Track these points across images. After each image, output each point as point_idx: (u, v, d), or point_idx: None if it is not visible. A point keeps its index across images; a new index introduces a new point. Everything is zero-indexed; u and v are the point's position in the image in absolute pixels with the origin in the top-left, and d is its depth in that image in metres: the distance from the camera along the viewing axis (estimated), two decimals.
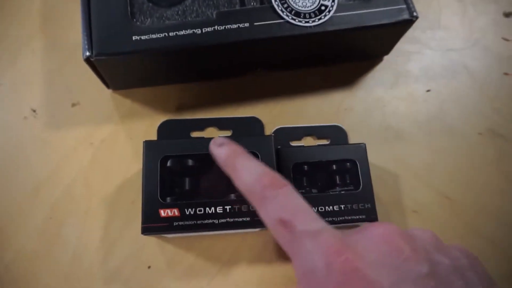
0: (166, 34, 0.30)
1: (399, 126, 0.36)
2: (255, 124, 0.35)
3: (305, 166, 0.31)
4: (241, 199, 0.27)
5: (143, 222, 0.26)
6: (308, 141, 0.35)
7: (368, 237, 0.19)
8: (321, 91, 0.37)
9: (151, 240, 0.31)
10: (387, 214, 0.33)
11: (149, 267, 0.30)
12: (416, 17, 0.32)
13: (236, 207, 0.27)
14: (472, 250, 0.32)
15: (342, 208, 0.29)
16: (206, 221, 0.27)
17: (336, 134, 0.35)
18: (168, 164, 0.28)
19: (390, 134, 0.36)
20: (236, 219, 0.27)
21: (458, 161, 0.35)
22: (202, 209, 0.27)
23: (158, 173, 0.27)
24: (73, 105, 0.35)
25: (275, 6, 0.31)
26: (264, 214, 0.21)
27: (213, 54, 0.32)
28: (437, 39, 0.40)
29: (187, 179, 0.29)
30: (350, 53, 0.36)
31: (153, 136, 0.34)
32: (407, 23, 0.33)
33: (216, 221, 0.27)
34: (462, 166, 0.35)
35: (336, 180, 0.31)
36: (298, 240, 0.19)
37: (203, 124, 0.34)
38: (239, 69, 0.36)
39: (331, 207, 0.29)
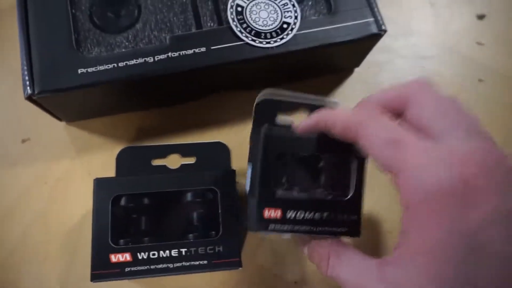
0: (116, 65, 0.28)
1: None
2: (221, 150, 0.33)
3: (289, 157, 0.25)
4: (199, 241, 0.26)
5: (93, 268, 0.25)
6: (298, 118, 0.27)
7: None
8: None
9: (118, 284, 0.29)
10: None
11: None
12: (385, 31, 0.30)
13: (193, 249, 0.25)
14: None
15: (324, 217, 0.24)
16: (160, 266, 0.25)
17: None
18: (122, 203, 0.27)
19: None
20: (193, 262, 0.25)
21: None
22: (156, 252, 0.25)
23: (109, 214, 0.26)
24: (23, 141, 0.32)
25: (233, 27, 0.29)
26: (369, 135, 0.19)
27: (168, 82, 0.30)
28: (409, 46, 0.38)
29: (142, 219, 0.27)
30: (317, 69, 0.34)
31: (113, 168, 0.32)
32: (376, 37, 0.31)
33: (171, 265, 0.25)
34: None
35: (319, 179, 0.25)
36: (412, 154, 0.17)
37: (165, 151, 0.32)
38: (200, 93, 0.34)
39: (311, 213, 0.24)
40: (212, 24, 0.30)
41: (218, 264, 0.25)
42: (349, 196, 0.25)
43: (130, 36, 0.29)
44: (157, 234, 0.27)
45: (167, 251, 0.25)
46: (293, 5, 0.30)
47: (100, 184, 0.26)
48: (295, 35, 0.29)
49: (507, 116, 0.36)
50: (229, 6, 0.29)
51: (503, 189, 0.16)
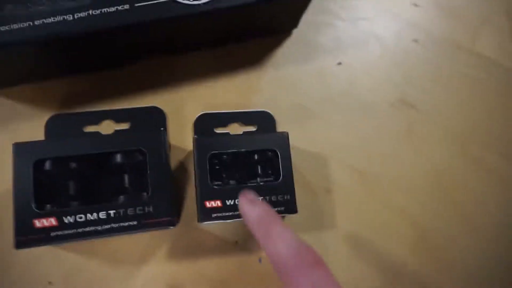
0: (31, 23, 0.26)
1: (310, 104, 0.35)
2: (156, 114, 0.32)
3: (224, 156, 0.30)
4: (128, 202, 0.26)
5: (16, 234, 0.24)
6: (234, 128, 0.33)
7: None
8: (227, 73, 0.34)
9: (48, 250, 0.29)
10: (300, 196, 0.32)
11: (49, 282, 0.28)
12: None
13: (122, 210, 0.25)
14: (383, 221, 0.33)
15: (261, 200, 0.28)
16: (87, 229, 0.25)
17: (263, 120, 0.33)
18: (46, 167, 0.26)
19: (301, 113, 0.34)
20: (122, 223, 0.25)
21: (370, 134, 0.35)
22: (83, 215, 0.25)
23: (31, 179, 0.25)
24: None
25: None
26: None
27: (92, 43, 0.28)
28: (347, 7, 0.38)
29: (70, 183, 0.27)
30: (254, 29, 0.34)
31: (42, 138, 0.30)
32: None
33: (99, 228, 0.25)
34: (374, 140, 0.35)
35: (256, 170, 0.30)
36: None
37: (97, 118, 0.31)
38: (131, 56, 0.33)
39: None
40: None
41: (148, 224, 0.25)
42: (279, 180, 0.29)
43: None
44: (87, 198, 0.27)
45: (95, 214, 0.25)
46: None
47: (19, 149, 0.25)
48: None
49: (441, 75, 0.37)
50: None
51: None
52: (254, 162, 0.30)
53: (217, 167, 0.30)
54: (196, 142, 0.29)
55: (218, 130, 0.33)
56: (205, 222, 0.28)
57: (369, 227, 0.33)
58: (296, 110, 0.34)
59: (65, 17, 0.26)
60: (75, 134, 0.30)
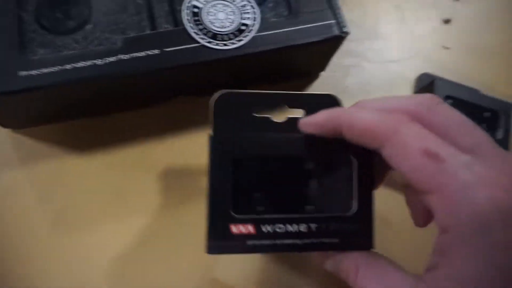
0: (61, 67, 0.26)
1: None
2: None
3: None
4: (331, 216, 0.22)
5: (210, 237, 0.21)
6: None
7: None
8: None
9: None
10: None
11: None
12: (347, 33, 0.30)
13: (324, 225, 0.22)
14: None
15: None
16: (286, 241, 0.22)
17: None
18: (244, 167, 0.23)
19: None
20: (323, 239, 0.22)
21: None
22: (283, 226, 0.22)
23: (231, 178, 0.22)
24: None
25: (188, 29, 0.28)
26: (402, 143, 0.17)
27: (120, 86, 0.28)
28: (375, 50, 0.37)
29: (266, 187, 0.23)
30: (281, 73, 0.33)
31: (63, 180, 0.29)
32: (338, 39, 0.30)
33: (298, 241, 0.22)
34: None
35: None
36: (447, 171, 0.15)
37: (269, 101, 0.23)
38: (157, 98, 0.32)
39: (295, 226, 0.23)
40: (167, 26, 0.28)
41: (350, 243, 0.22)
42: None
43: (79, 38, 0.28)
44: (280, 207, 0.23)
45: (295, 225, 0.22)
46: (252, 7, 0.29)
47: (216, 143, 0.22)
48: (253, 37, 0.28)
49: None
50: (184, 7, 0.28)
51: None
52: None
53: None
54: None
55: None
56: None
57: None
58: None
59: (95, 61, 0.26)
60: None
